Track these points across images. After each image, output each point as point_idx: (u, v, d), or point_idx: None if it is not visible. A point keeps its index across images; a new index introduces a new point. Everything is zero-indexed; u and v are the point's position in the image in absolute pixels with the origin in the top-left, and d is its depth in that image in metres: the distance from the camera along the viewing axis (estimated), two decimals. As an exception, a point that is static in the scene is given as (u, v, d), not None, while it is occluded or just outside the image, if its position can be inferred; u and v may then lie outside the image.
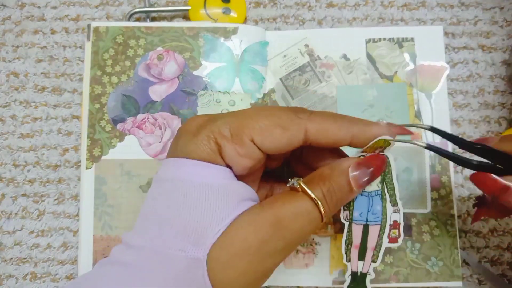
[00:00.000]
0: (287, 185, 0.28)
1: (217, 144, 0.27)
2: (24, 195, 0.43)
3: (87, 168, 0.41)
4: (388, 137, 0.29)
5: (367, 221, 0.32)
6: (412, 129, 0.42)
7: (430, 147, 0.31)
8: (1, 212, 0.42)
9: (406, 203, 0.41)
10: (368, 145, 0.29)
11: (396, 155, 0.41)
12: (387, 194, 0.32)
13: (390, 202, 0.32)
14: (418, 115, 0.42)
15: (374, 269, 0.40)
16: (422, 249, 0.40)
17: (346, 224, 0.32)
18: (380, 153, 0.31)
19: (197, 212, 0.26)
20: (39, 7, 0.46)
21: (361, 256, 0.33)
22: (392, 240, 0.32)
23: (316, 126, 0.28)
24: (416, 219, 0.41)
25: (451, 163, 0.41)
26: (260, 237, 0.26)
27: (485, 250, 0.42)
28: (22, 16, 0.45)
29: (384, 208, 0.32)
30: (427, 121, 0.42)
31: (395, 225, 0.32)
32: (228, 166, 0.28)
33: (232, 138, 0.27)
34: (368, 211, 0.32)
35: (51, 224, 0.42)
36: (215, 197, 0.26)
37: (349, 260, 0.33)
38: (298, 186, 0.27)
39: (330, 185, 0.28)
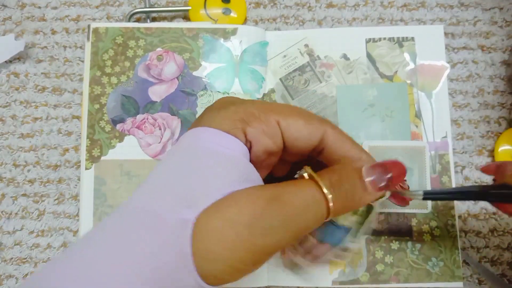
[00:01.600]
0: (295, 176, 0.27)
1: (243, 120, 0.27)
2: (24, 195, 0.43)
3: (86, 169, 0.41)
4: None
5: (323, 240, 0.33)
6: (413, 128, 0.42)
7: (427, 198, 0.31)
8: (1, 212, 0.42)
9: (406, 203, 0.41)
10: None
11: (397, 155, 0.41)
12: (354, 229, 0.32)
13: (351, 235, 0.32)
14: (418, 114, 0.42)
15: (374, 270, 0.40)
16: (423, 250, 0.40)
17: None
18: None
19: (201, 178, 0.25)
20: (39, 7, 0.46)
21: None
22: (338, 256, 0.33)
23: (335, 133, 0.28)
24: (416, 220, 0.41)
25: (452, 163, 0.41)
26: (255, 209, 0.23)
27: (485, 250, 0.42)
28: (23, 16, 0.46)
29: (343, 238, 0.32)
30: (427, 120, 0.42)
31: (345, 249, 0.33)
32: (247, 146, 0.27)
33: (260, 116, 0.27)
34: (327, 238, 0.32)
35: (51, 224, 0.42)
36: (223, 166, 0.25)
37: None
38: (305, 173, 0.26)
39: (341, 176, 0.26)
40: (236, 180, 0.25)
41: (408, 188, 0.30)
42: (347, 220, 0.32)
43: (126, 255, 0.22)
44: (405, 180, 0.30)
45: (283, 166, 0.32)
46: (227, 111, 0.28)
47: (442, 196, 0.32)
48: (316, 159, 0.31)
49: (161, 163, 0.27)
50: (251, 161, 0.28)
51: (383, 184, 0.26)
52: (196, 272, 0.23)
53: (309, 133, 0.28)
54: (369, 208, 0.32)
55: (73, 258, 0.23)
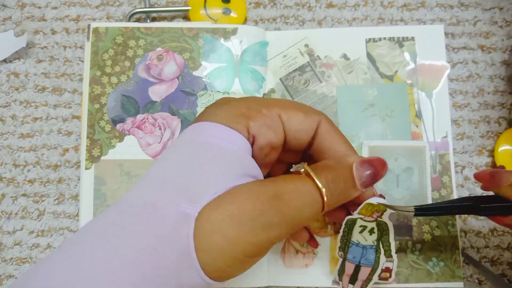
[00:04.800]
0: (291, 170, 0.28)
1: (245, 115, 0.28)
2: (24, 195, 0.43)
3: (86, 169, 0.41)
4: (380, 201, 0.30)
5: (359, 262, 0.34)
6: (413, 128, 0.42)
7: (418, 214, 0.31)
8: (1, 212, 0.42)
9: (407, 203, 0.40)
10: (361, 207, 0.30)
11: (397, 155, 0.41)
12: (381, 249, 0.33)
13: (384, 255, 0.33)
14: (418, 114, 0.42)
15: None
16: (423, 250, 0.40)
17: (340, 260, 0.34)
18: (378, 218, 0.32)
19: (202, 171, 0.25)
20: (39, 7, 0.46)
21: (352, 281, 0.35)
22: (383, 278, 0.34)
23: (328, 124, 0.30)
24: (416, 219, 0.41)
25: (452, 163, 0.41)
26: (256, 206, 0.24)
27: (485, 250, 0.42)
28: (23, 16, 0.46)
29: (377, 258, 0.33)
30: (428, 120, 0.42)
31: (387, 269, 0.34)
32: (250, 141, 0.28)
33: (261, 110, 0.28)
34: (362, 257, 0.34)
35: (51, 224, 0.42)
36: (225, 161, 0.26)
37: (341, 280, 0.36)
38: (303, 170, 0.27)
39: (335, 175, 0.27)
40: (237, 174, 0.26)
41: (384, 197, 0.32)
42: (369, 239, 0.33)
43: (124, 249, 0.22)
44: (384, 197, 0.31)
45: (280, 165, 0.33)
46: (229, 106, 0.28)
47: (435, 212, 0.32)
48: (309, 159, 0.32)
49: (162, 157, 0.27)
50: (253, 156, 0.28)
51: (369, 181, 0.28)
52: (200, 266, 0.23)
53: (308, 125, 0.29)
54: (385, 226, 0.32)
55: (68, 254, 0.23)
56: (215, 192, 0.24)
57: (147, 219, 0.23)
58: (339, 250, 0.34)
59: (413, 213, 0.31)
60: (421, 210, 0.31)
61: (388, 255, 0.33)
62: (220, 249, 0.23)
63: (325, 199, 0.26)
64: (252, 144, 0.28)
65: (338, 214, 0.33)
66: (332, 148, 0.30)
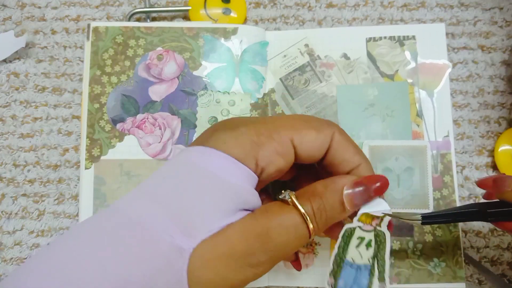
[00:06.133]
0: (279, 197, 0.28)
1: (254, 143, 0.27)
2: (24, 195, 0.43)
3: (86, 168, 0.41)
4: (384, 211, 0.29)
5: None
6: (414, 128, 0.42)
7: (425, 222, 0.31)
8: (1, 212, 0.42)
9: (408, 203, 0.40)
10: (361, 213, 0.29)
11: (398, 154, 0.41)
12: (376, 270, 0.32)
13: (378, 278, 0.32)
14: (419, 114, 0.42)
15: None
16: (424, 250, 0.40)
17: None
18: (377, 227, 0.31)
19: (200, 203, 0.25)
20: (39, 7, 0.46)
21: None
22: None
23: (341, 137, 0.29)
24: (417, 219, 0.41)
25: (454, 163, 0.41)
26: (246, 246, 0.26)
27: (485, 250, 0.42)
28: (23, 16, 0.45)
29: (370, 283, 0.32)
30: (429, 120, 0.42)
31: None
32: (258, 172, 0.28)
33: (272, 135, 0.27)
34: (353, 283, 0.32)
35: (51, 224, 0.42)
36: (224, 196, 0.26)
37: None
38: (289, 199, 0.27)
39: (321, 203, 0.27)
40: (235, 210, 0.26)
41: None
42: (365, 256, 0.32)
43: (115, 275, 0.23)
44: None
45: (289, 171, 0.32)
46: (238, 133, 0.27)
47: (442, 220, 0.32)
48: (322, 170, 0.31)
49: (161, 172, 0.27)
50: (260, 180, 0.28)
51: (360, 202, 0.28)
52: None
53: (321, 142, 0.29)
54: (382, 238, 0.31)
55: (56, 257, 0.24)
56: (210, 229, 0.25)
57: (141, 244, 0.24)
58: (330, 276, 0.31)
59: (420, 221, 0.31)
60: (428, 218, 0.31)
61: (382, 278, 0.31)
62: (211, 283, 0.25)
63: (311, 227, 0.27)
64: (261, 173, 0.28)
65: (334, 230, 0.32)
66: (344, 161, 0.29)
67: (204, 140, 0.28)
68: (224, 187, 0.26)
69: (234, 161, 0.27)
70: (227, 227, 0.26)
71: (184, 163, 0.27)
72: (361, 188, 0.28)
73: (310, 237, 0.27)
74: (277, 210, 0.27)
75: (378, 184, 0.28)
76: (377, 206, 0.31)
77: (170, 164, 0.28)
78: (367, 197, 0.28)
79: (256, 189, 0.28)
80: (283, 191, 0.28)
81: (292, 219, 0.27)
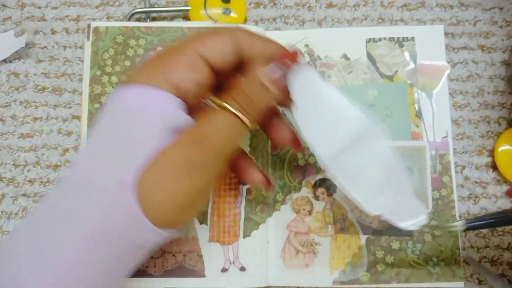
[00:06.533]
0: (204, 103, 0.29)
1: (161, 67, 0.28)
2: (24, 195, 0.43)
3: (87, 168, 0.41)
4: (423, 220, 0.30)
5: None
6: (413, 128, 0.42)
7: (469, 227, 0.30)
8: (1, 212, 0.42)
9: (406, 203, 0.40)
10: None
11: (397, 155, 0.41)
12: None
13: None
14: (419, 114, 0.42)
15: (375, 270, 0.40)
16: (423, 250, 0.40)
17: None
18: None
19: (129, 138, 0.26)
20: (39, 7, 0.46)
21: None
22: None
23: (245, 34, 0.30)
24: (416, 219, 0.41)
25: (452, 163, 0.41)
26: (184, 152, 0.26)
27: (485, 250, 0.42)
28: (23, 16, 0.45)
29: None
30: (428, 120, 0.42)
31: None
32: (173, 91, 0.28)
33: (176, 54, 0.28)
34: None
35: (51, 224, 0.42)
36: (149, 122, 0.27)
37: None
38: (214, 103, 0.28)
39: (244, 94, 0.28)
40: (164, 130, 0.27)
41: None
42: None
43: (74, 238, 0.25)
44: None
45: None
46: (145, 64, 0.29)
47: (485, 223, 0.32)
48: None
49: (93, 129, 0.28)
50: (186, 98, 0.29)
51: (279, 74, 0.29)
52: (150, 222, 0.26)
53: (224, 43, 0.29)
54: None
55: (20, 239, 0.26)
56: (146, 155, 0.26)
57: (91, 199, 0.25)
58: None
59: (465, 227, 0.30)
60: (472, 221, 0.31)
61: None
62: (165, 203, 0.26)
63: (245, 120, 0.27)
64: (180, 92, 0.28)
65: (273, 125, 0.33)
66: (258, 55, 0.30)
67: (123, 82, 0.29)
68: (145, 115, 0.27)
69: (146, 88, 0.27)
70: (162, 148, 0.26)
71: (106, 111, 0.28)
72: (273, 64, 0.28)
73: (249, 129, 0.28)
74: (208, 116, 0.28)
75: (289, 53, 0.29)
76: (415, 214, 0.30)
77: (98, 119, 0.29)
78: (284, 69, 0.29)
79: (192, 110, 0.29)
80: (205, 100, 0.29)
81: (224, 118, 0.28)
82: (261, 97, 0.28)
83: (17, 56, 0.45)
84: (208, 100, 0.29)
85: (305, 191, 0.41)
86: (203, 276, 0.40)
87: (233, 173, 0.39)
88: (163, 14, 0.46)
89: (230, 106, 0.27)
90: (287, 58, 0.29)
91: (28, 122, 0.44)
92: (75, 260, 0.24)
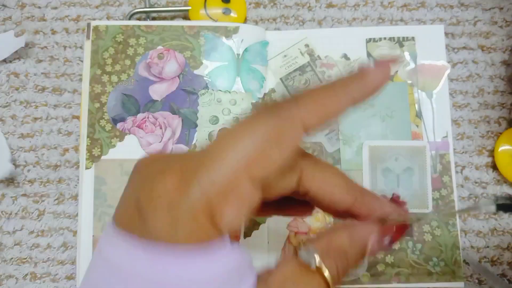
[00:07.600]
0: (301, 256, 0.23)
1: (207, 210, 0.19)
2: (24, 195, 0.42)
3: (86, 168, 0.41)
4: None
5: None
6: (413, 128, 0.42)
7: (501, 209, 0.29)
8: (1, 212, 0.42)
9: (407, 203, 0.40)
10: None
11: (398, 155, 0.41)
12: None
13: None
14: (419, 114, 0.42)
15: (375, 270, 0.40)
16: (424, 249, 0.40)
17: None
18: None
19: None
20: (39, 7, 0.46)
21: None
22: None
23: (316, 172, 0.24)
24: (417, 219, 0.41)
25: (453, 163, 0.41)
26: None
27: (485, 250, 0.42)
28: (23, 16, 0.45)
29: None
30: (428, 120, 0.42)
31: None
32: (224, 234, 0.20)
33: (226, 188, 0.19)
34: None
35: (51, 224, 0.42)
36: None
37: None
38: (314, 263, 0.22)
39: (347, 263, 0.23)
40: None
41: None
42: None
43: None
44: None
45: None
46: (187, 206, 0.19)
47: None
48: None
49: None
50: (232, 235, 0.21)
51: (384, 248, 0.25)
52: None
53: (288, 176, 0.23)
54: None
55: None
56: None
57: None
58: None
59: (495, 211, 0.29)
60: (503, 205, 0.29)
61: None
62: None
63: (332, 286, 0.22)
64: (225, 234, 0.21)
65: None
66: (331, 201, 0.24)
67: (142, 227, 0.20)
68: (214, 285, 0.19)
69: (192, 253, 0.19)
70: None
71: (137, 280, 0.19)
72: (385, 238, 0.24)
73: None
74: (298, 280, 0.22)
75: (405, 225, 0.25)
76: None
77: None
78: (386, 247, 0.25)
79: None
80: (302, 247, 0.23)
81: (314, 284, 0.22)
82: (355, 265, 0.24)
83: (17, 56, 0.45)
84: (307, 253, 0.23)
85: (306, 191, 0.41)
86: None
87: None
88: (163, 14, 0.46)
89: (329, 271, 0.22)
90: (402, 231, 0.24)
91: (28, 122, 0.44)
92: None
